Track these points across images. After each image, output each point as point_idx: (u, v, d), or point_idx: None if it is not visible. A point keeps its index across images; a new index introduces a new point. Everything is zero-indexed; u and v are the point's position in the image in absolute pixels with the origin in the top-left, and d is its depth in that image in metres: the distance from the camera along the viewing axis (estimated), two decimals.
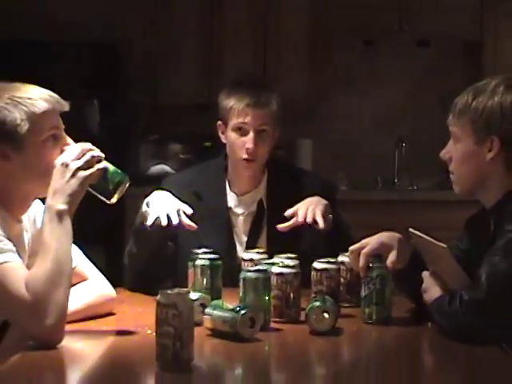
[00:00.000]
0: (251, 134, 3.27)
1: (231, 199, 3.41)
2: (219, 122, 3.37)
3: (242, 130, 3.29)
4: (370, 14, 6.75)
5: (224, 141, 3.39)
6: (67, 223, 2.42)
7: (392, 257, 2.69)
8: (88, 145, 2.52)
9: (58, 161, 2.46)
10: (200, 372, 2.16)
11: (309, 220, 3.04)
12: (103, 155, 2.52)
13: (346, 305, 2.84)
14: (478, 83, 2.66)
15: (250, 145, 3.27)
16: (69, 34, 6.62)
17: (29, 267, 2.39)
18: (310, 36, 6.76)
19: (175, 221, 2.95)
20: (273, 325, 2.61)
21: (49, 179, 2.46)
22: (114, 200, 2.54)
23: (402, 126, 7.08)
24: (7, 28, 6.57)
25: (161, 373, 2.10)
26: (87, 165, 2.46)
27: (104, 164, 2.51)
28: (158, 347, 2.11)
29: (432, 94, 6.87)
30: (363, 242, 2.77)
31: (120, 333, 2.55)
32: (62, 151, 2.51)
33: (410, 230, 2.72)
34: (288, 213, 3.10)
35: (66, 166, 2.44)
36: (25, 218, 2.64)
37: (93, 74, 6.52)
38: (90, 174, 2.46)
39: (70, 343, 2.33)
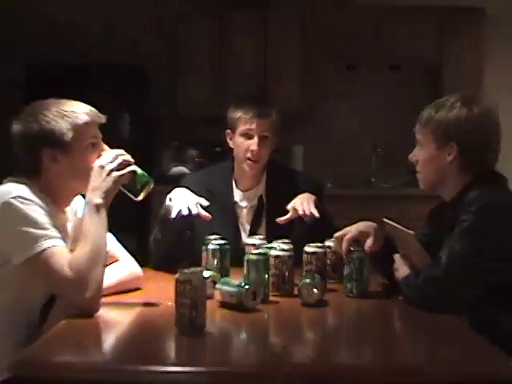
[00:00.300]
0: (255, 139, 3.29)
1: (237, 195, 3.41)
2: (228, 131, 3.38)
3: (247, 135, 3.30)
4: (351, 43, 6.74)
5: (231, 146, 3.39)
6: (103, 214, 2.44)
7: (369, 242, 2.70)
8: (120, 151, 2.53)
9: (96, 163, 2.47)
10: (211, 336, 2.16)
11: (307, 213, 3.06)
12: (133, 160, 2.53)
13: (332, 281, 2.83)
14: (440, 99, 2.67)
15: (254, 147, 3.28)
16: (105, 58, 6.63)
17: (71, 251, 2.39)
18: (302, 61, 6.74)
19: (194, 211, 2.98)
20: (271, 298, 2.61)
21: (88, 179, 2.48)
22: (140, 198, 2.55)
23: (378, 135, 7.06)
24: (58, 54, 6.57)
25: (179, 336, 2.10)
26: (119, 167, 2.47)
27: (133, 167, 2.52)
28: (177, 315, 2.12)
29: (402, 108, 6.85)
30: (345, 229, 2.77)
31: (146, 304, 2.54)
32: (99, 156, 2.52)
33: (384, 219, 2.73)
34: (281, 218, 3.12)
35: (102, 167, 2.46)
36: (68, 209, 2.64)
37: (125, 91, 6.51)
38: (122, 175, 2.47)
39: (105, 312, 2.34)
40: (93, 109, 2.59)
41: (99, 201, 2.44)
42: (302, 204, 3.10)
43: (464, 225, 2.44)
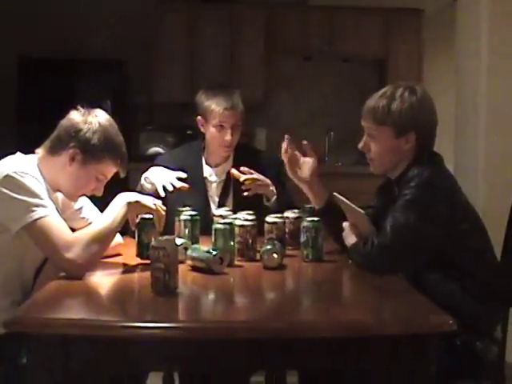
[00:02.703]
0: (228, 130, 3.26)
1: (206, 171, 3.38)
2: (199, 117, 3.33)
3: (221, 127, 3.26)
4: (307, 37, 6.74)
5: (203, 131, 3.35)
6: (122, 214, 2.44)
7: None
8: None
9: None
10: (183, 296, 2.16)
11: (242, 179, 3.12)
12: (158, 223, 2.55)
13: (290, 248, 2.83)
14: (383, 90, 2.60)
15: (228, 137, 3.26)
16: (88, 52, 6.62)
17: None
18: (263, 52, 6.74)
19: (177, 185, 3.02)
20: (236, 262, 2.60)
21: (69, 192, 2.53)
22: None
23: (331, 119, 7.10)
24: (46, 49, 6.51)
25: (154, 297, 2.09)
26: (150, 209, 2.52)
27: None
28: (153, 278, 2.10)
29: (352, 96, 6.88)
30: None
31: (125, 268, 2.53)
32: (93, 190, 2.54)
33: (335, 194, 2.70)
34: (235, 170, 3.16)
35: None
36: (59, 195, 2.61)
37: (107, 82, 6.50)
38: (155, 211, 2.52)
39: (89, 276, 2.32)
40: (126, 161, 2.55)
41: (131, 200, 2.46)
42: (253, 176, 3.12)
43: (405, 198, 2.45)
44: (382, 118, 2.56)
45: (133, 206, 2.48)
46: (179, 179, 3.06)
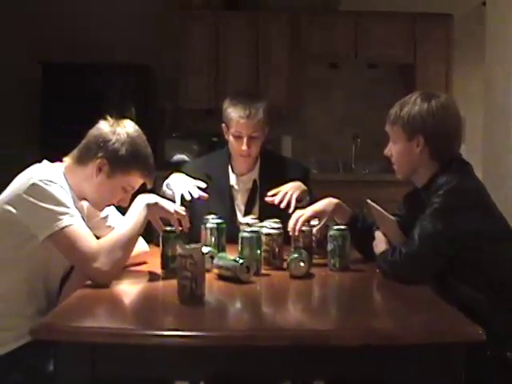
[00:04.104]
0: (245, 140, 3.25)
1: (232, 179, 3.39)
2: (223, 125, 3.34)
3: (238, 136, 3.26)
4: (334, 43, 6.74)
5: (227, 138, 3.37)
6: (144, 215, 2.47)
7: (318, 225, 2.80)
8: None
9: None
10: (210, 305, 2.18)
11: (282, 206, 3.05)
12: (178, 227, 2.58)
13: (317, 256, 2.84)
14: (403, 99, 2.67)
15: (244, 147, 3.25)
16: (115, 58, 6.64)
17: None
18: (290, 59, 6.75)
19: (195, 195, 3.02)
20: (263, 271, 2.61)
21: (95, 202, 2.55)
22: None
23: (357, 126, 7.08)
24: (68, 53, 6.56)
25: (180, 305, 2.11)
26: (170, 215, 2.55)
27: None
28: (179, 287, 2.13)
29: (379, 102, 6.84)
30: (303, 211, 2.81)
31: (151, 276, 2.55)
32: (119, 201, 2.56)
33: (368, 200, 2.74)
34: (270, 193, 3.11)
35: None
36: (84, 203, 2.63)
37: (132, 87, 6.54)
38: (172, 215, 2.54)
39: (116, 284, 2.34)
40: (153, 172, 2.57)
41: (150, 202, 2.49)
42: (285, 194, 3.08)
43: (434, 206, 2.45)
44: (394, 119, 2.64)
45: (152, 207, 2.50)
46: (199, 189, 3.08)
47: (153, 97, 6.79)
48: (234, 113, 3.24)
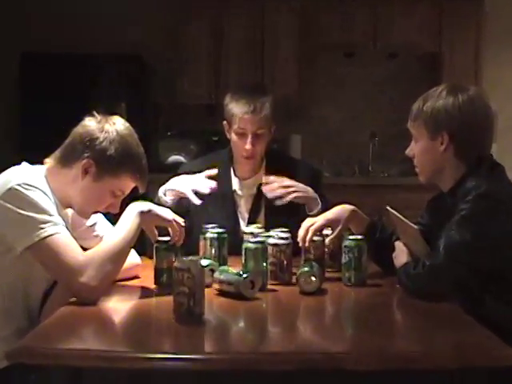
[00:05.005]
0: (249, 138, 3.25)
1: (235, 183, 3.40)
2: (224, 122, 3.35)
3: (241, 134, 3.27)
4: (349, 30, 6.74)
5: (229, 137, 3.38)
6: (136, 224, 2.47)
7: (331, 235, 2.81)
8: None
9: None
10: (209, 324, 2.17)
11: (270, 195, 3.12)
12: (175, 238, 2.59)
13: (330, 270, 2.85)
14: (428, 92, 2.68)
15: (248, 146, 3.25)
16: (102, 47, 6.62)
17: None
18: (299, 49, 6.76)
19: (206, 190, 3.05)
20: (269, 286, 2.62)
21: (82, 208, 2.55)
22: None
23: (375, 123, 7.08)
24: (48, 43, 6.56)
25: (177, 325, 2.11)
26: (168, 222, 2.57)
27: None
28: (175, 304, 2.13)
29: (400, 96, 6.86)
30: (314, 219, 2.81)
31: (144, 292, 2.56)
32: (107, 206, 2.57)
33: (388, 207, 2.75)
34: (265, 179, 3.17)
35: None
36: (69, 211, 2.64)
37: (121, 81, 6.55)
38: (169, 223, 2.56)
39: (103, 300, 2.34)
40: (145, 176, 2.59)
41: (144, 210, 2.50)
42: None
43: (462, 214, 2.46)
44: (416, 114, 2.66)
45: (146, 215, 2.51)
46: (210, 178, 3.09)
47: (146, 91, 6.78)
48: (236, 108, 3.24)
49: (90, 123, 2.51)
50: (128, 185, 2.55)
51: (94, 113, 2.55)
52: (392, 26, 6.72)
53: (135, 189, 2.59)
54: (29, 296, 2.53)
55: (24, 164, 2.54)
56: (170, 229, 2.57)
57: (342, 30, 6.74)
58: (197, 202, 3.01)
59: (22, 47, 6.49)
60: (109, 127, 2.50)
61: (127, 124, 2.57)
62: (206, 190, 3.04)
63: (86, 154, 2.47)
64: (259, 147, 3.30)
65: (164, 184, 3.18)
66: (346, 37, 6.78)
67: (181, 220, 2.60)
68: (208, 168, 3.23)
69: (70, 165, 2.50)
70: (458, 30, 6.76)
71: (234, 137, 3.30)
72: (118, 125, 2.53)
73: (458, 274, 2.44)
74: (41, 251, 2.32)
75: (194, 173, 3.21)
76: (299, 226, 2.83)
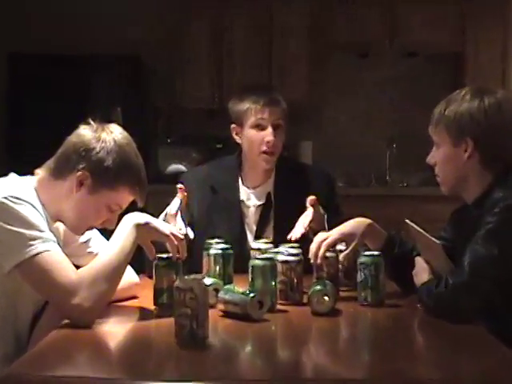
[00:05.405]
0: (270, 129, 3.27)
1: (243, 193, 3.40)
2: (233, 125, 3.36)
3: (260, 127, 3.28)
4: (363, 28, 6.75)
5: (239, 141, 3.37)
6: (132, 238, 2.47)
7: (345, 251, 2.79)
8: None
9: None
10: (214, 349, 2.17)
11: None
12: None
13: (344, 289, 2.85)
14: (451, 95, 2.68)
15: (270, 137, 3.27)
16: (96, 47, 6.63)
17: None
18: (310, 49, 6.77)
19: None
20: (279, 307, 2.61)
21: (75, 223, 2.54)
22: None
23: (393, 128, 7.08)
24: (40, 43, 6.56)
25: (178, 349, 2.11)
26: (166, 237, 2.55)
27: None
28: (176, 326, 2.13)
29: (419, 98, 6.85)
30: (327, 233, 2.80)
31: (142, 314, 2.56)
32: (103, 222, 2.56)
33: (407, 221, 2.74)
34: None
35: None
36: (60, 226, 2.64)
37: (117, 83, 6.55)
38: (167, 238, 2.53)
39: (99, 323, 2.34)
40: (145, 189, 2.58)
41: (140, 222, 2.49)
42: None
43: (488, 227, 2.46)
44: (438, 118, 2.66)
45: (143, 228, 2.50)
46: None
47: (143, 93, 6.79)
48: (249, 102, 3.27)
49: (86, 132, 2.51)
50: (126, 198, 2.55)
51: (90, 120, 2.54)
52: (410, 23, 6.70)
53: (133, 203, 2.58)
54: (17, 318, 2.53)
55: (12, 175, 2.54)
56: (168, 244, 2.56)
57: (356, 28, 6.74)
58: (191, 235, 2.98)
59: (12, 47, 6.49)
60: (106, 136, 2.50)
61: (125, 133, 2.57)
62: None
63: (81, 166, 2.47)
64: (279, 141, 3.32)
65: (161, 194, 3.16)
66: (360, 35, 6.78)
67: (180, 234, 2.60)
68: (212, 175, 3.25)
69: (64, 176, 2.49)
70: (483, 27, 6.74)
71: (250, 132, 3.30)
72: (115, 133, 2.52)
73: (485, 293, 2.44)
74: (30, 270, 2.32)
75: (198, 181, 3.22)
76: (311, 242, 2.83)
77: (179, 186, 3.00)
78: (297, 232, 2.97)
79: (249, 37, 6.72)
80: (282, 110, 3.30)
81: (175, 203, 2.95)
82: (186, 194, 2.97)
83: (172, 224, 2.84)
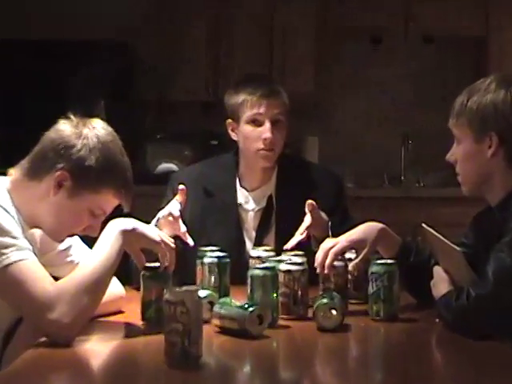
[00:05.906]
0: (267, 124, 3.27)
1: (241, 195, 3.40)
2: (229, 120, 3.36)
3: (256, 122, 3.28)
4: (375, 12, 6.75)
5: (235, 138, 3.38)
6: (119, 246, 2.46)
7: (355, 259, 2.80)
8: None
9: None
10: (208, 369, 2.17)
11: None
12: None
13: (354, 301, 2.85)
14: (474, 84, 2.67)
15: (267, 134, 3.26)
16: (76, 34, 6.61)
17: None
18: (316, 35, 6.76)
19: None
20: (281, 322, 2.61)
21: (54, 229, 2.54)
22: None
23: (408, 123, 7.07)
24: (18, 27, 6.57)
25: (169, 369, 2.10)
26: (155, 244, 2.55)
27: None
28: (167, 344, 2.12)
29: (437, 90, 6.86)
30: (335, 240, 2.80)
31: (128, 330, 2.56)
32: (85, 228, 2.55)
33: (423, 225, 2.73)
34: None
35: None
36: (36, 232, 2.63)
37: (100, 74, 6.54)
38: (156, 244, 2.54)
39: (81, 339, 2.34)
40: (131, 192, 2.57)
41: (127, 228, 2.48)
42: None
43: None
44: (459, 111, 2.65)
45: (130, 235, 2.50)
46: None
47: (130, 85, 6.78)
48: (245, 94, 3.27)
49: (65, 127, 2.51)
50: (110, 202, 2.54)
51: (70, 115, 2.54)
52: (428, 6, 6.70)
53: (118, 207, 2.57)
54: None
55: None
56: (158, 252, 2.55)
57: (367, 10, 6.74)
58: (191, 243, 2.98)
59: None
60: (88, 132, 2.49)
61: (110, 128, 2.57)
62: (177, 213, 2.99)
63: (59, 165, 2.46)
64: (279, 137, 3.31)
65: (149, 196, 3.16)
66: (372, 19, 6.78)
67: (171, 241, 2.59)
68: (207, 175, 3.25)
69: (40, 177, 2.49)
70: (508, 10, 6.75)
71: (246, 128, 3.30)
72: (98, 129, 2.52)
73: (511, 306, 2.43)
74: (2, 281, 2.31)
75: (191, 181, 3.22)
76: (315, 249, 2.83)
77: (181, 187, 3.00)
78: (292, 241, 2.97)
79: (249, 23, 6.70)
80: (282, 103, 3.29)
81: (174, 206, 2.95)
82: (186, 197, 2.98)
83: (165, 231, 2.84)
